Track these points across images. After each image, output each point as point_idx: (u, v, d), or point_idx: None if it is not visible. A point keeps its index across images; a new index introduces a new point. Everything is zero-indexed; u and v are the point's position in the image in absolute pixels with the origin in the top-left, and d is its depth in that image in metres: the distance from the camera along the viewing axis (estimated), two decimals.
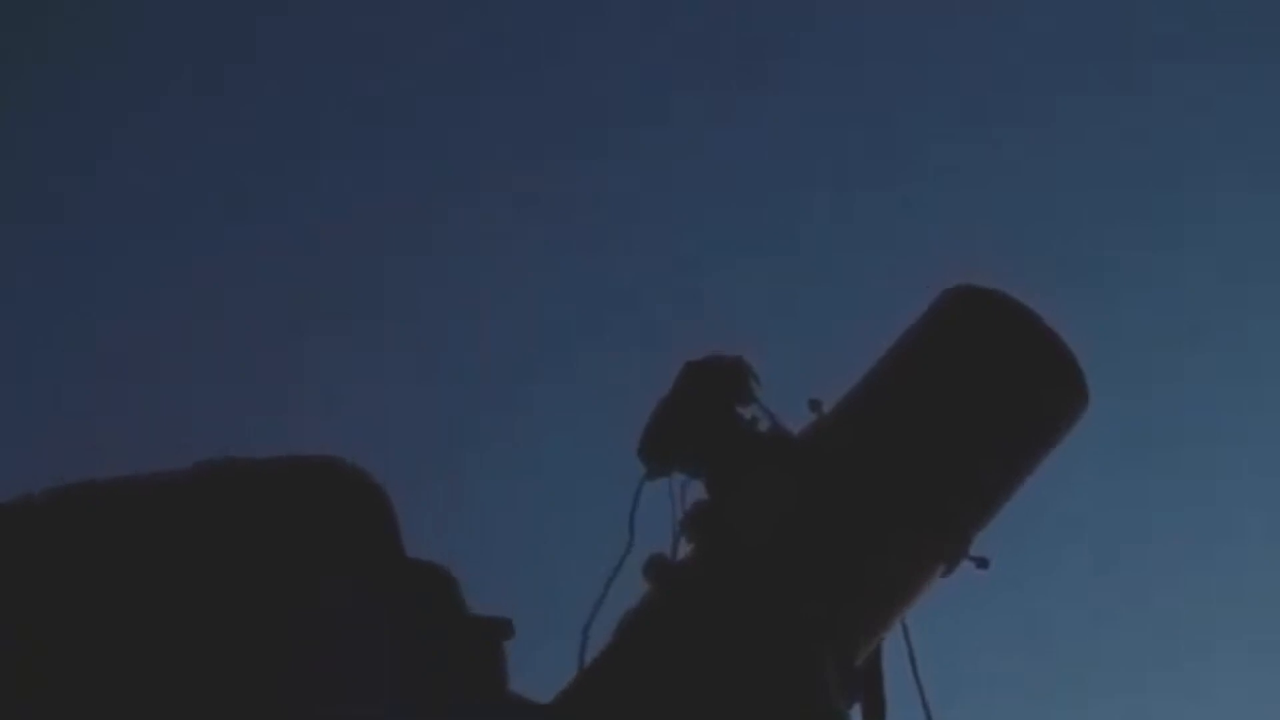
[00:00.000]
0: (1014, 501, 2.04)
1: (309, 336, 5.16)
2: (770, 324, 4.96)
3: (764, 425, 2.02)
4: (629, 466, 2.05)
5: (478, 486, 5.00)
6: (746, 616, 1.90)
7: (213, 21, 5.33)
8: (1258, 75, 5.20)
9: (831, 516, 1.95)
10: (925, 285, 2.11)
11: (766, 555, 1.93)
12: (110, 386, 4.94)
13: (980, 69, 5.40)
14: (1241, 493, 5.19)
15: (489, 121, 5.42)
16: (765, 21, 5.32)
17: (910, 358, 2.03)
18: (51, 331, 5.26)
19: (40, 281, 5.31)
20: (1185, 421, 5.23)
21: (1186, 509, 5.22)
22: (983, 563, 1.99)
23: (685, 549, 1.97)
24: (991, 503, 2.01)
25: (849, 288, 5.23)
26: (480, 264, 5.32)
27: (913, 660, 2.01)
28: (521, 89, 5.38)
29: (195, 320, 5.08)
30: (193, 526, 1.73)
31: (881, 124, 5.36)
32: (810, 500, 1.95)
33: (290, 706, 1.71)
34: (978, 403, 2.00)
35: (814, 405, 2.01)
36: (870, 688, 1.98)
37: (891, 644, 2.01)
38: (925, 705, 1.99)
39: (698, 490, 2.00)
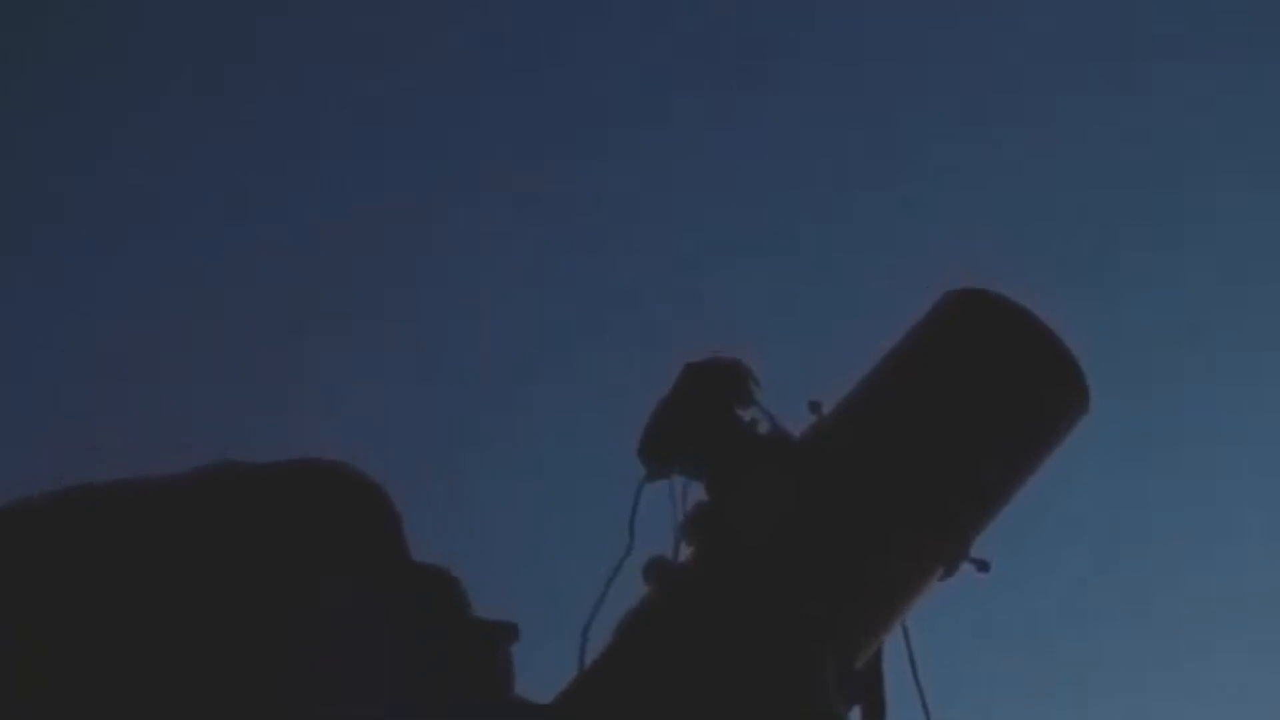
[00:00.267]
0: (1014, 503, 2.04)
1: (309, 336, 5.16)
2: (770, 324, 4.96)
3: (764, 427, 2.02)
4: (629, 467, 2.05)
5: (477, 487, 5.00)
6: (746, 616, 1.90)
7: (213, 21, 5.33)
8: (1258, 75, 5.20)
9: (831, 516, 1.95)
10: (925, 285, 2.11)
11: (766, 555, 1.93)
12: (110, 386, 4.94)
13: (980, 69, 5.41)
14: (1241, 493, 5.20)
15: (489, 121, 5.42)
16: (765, 21, 5.33)
17: (910, 359, 2.03)
18: (51, 331, 5.26)
19: (40, 281, 5.31)
20: (1185, 421, 5.23)
21: (1186, 509, 5.22)
22: (983, 565, 1.99)
23: (686, 551, 1.97)
24: (992, 503, 2.01)
25: (849, 288, 5.23)
26: (480, 264, 5.33)
27: (913, 662, 2.01)
28: (521, 89, 5.38)
29: (195, 320, 5.08)
30: (194, 530, 1.73)
31: (881, 124, 5.36)
32: (810, 500, 1.95)
33: (290, 707, 1.71)
34: (978, 403, 2.00)
35: (814, 407, 2.01)
36: (870, 690, 1.98)
37: (891, 646, 2.01)
38: (925, 707, 1.99)
39: (698, 492, 2.00)
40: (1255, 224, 5.22)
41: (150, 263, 5.29)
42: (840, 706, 1.90)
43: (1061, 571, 5.02)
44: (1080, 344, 2.03)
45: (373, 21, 5.41)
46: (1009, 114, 5.32)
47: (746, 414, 2.01)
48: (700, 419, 1.99)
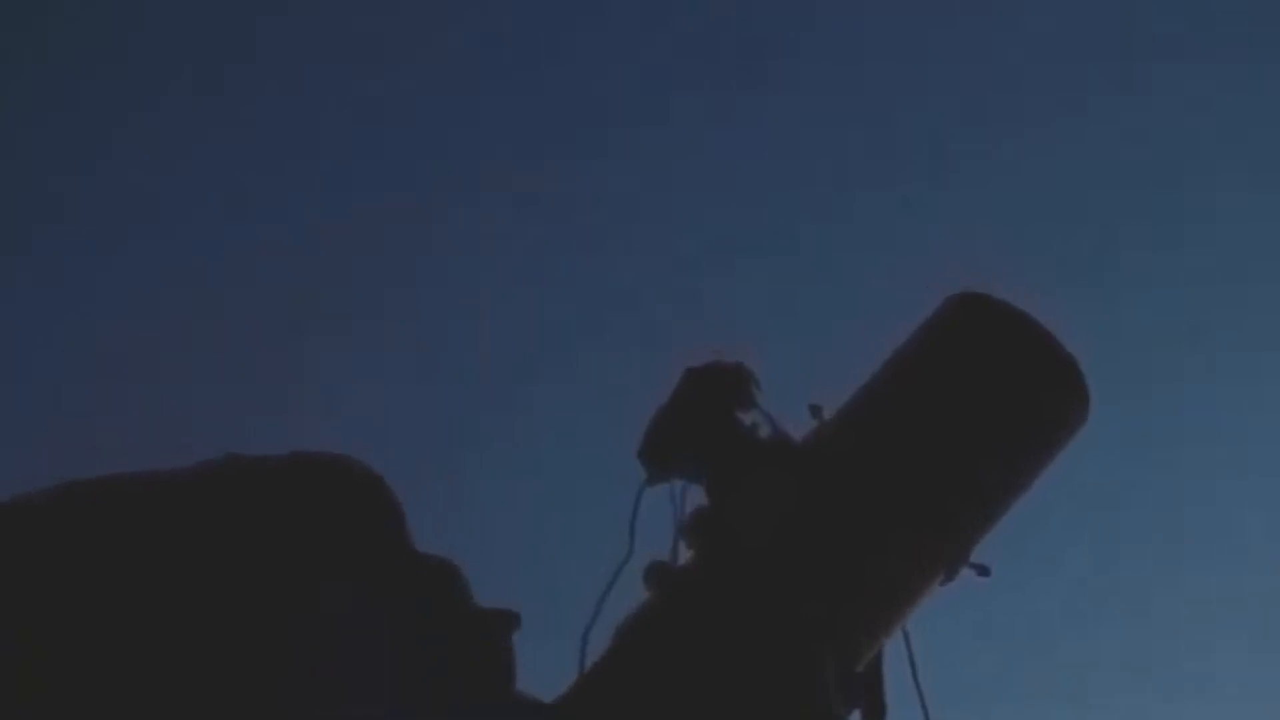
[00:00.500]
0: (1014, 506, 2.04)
1: (309, 336, 5.16)
2: (770, 324, 4.96)
3: (765, 431, 2.02)
4: (629, 467, 2.05)
5: (477, 488, 5.00)
6: (746, 617, 1.90)
7: (213, 21, 5.33)
8: (1258, 75, 5.20)
9: (831, 517, 1.95)
10: (925, 285, 2.11)
11: (766, 556, 1.93)
12: (110, 386, 4.94)
13: (980, 69, 5.41)
14: (1241, 493, 5.20)
15: (489, 121, 5.42)
16: (765, 21, 5.33)
17: (910, 364, 2.03)
18: (51, 331, 5.26)
19: (40, 281, 5.31)
20: (1185, 421, 5.23)
21: (1186, 509, 5.22)
22: (983, 570, 1.99)
23: (686, 555, 1.97)
24: (993, 507, 2.01)
25: (849, 288, 5.23)
26: (480, 264, 5.33)
27: (913, 665, 2.01)
28: (521, 89, 5.38)
29: (195, 320, 5.08)
30: (196, 525, 1.73)
31: (881, 124, 5.37)
32: (810, 501, 1.95)
33: (291, 710, 1.71)
34: (978, 405, 2.00)
35: (815, 411, 2.01)
36: (870, 692, 1.98)
37: (891, 648, 2.01)
38: (925, 709, 1.99)
39: (698, 496, 2.00)
40: (1255, 224, 5.22)
41: (150, 263, 5.29)
42: (841, 708, 1.91)
43: (1061, 572, 5.03)
44: (1080, 344, 2.03)
45: (373, 21, 5.41)
46: (1009, 114, 5.33)
47: (747, 418, 2.02)
48: (700, 423, 2.00)
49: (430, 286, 5.40)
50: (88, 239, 5.37)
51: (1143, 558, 5.21)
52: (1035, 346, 2.01)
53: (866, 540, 1.94)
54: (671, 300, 5.16)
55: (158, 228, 5.31)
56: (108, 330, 5.14)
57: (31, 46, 5.32)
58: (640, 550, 1.99)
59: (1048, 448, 2.03)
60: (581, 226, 5.40)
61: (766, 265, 5.24)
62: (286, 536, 1.74)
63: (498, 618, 1.85)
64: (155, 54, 5.40)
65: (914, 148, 5.32)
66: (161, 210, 5.31)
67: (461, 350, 5.37)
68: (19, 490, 1.83)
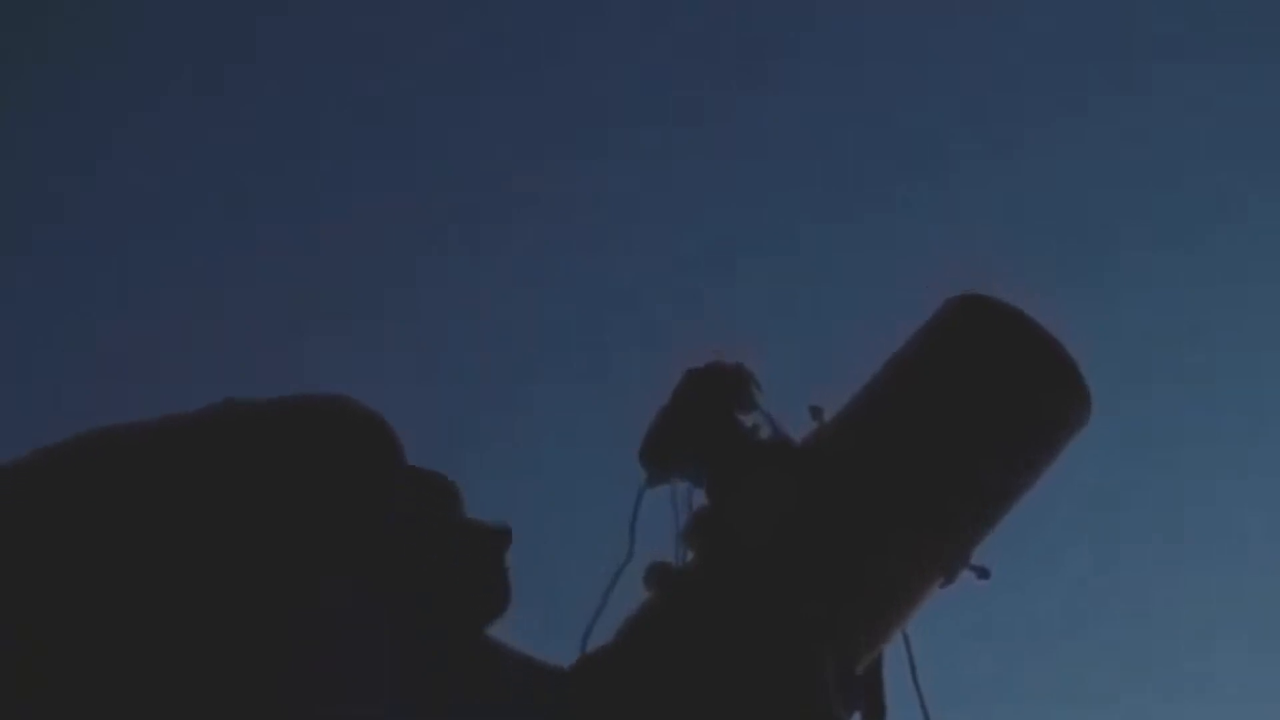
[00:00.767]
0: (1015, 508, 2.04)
1: (309, 336, 5.16)
2: (770, 324, 4.96)
3: (765, 432, 2.02)
4: (629, 467, 2.05)
5: (476, 489, 4.98)
6: (746, 617, 1.90)
7: (213, 21, 5.33)
8: (1258, 75, 5.20)
9: (831, 516, 1.95)
10: (925, 285, 2.11)
11: (766, 556, 1.93)
12: (110, 386, 4.94)
13: (980, 69, 5.41)
14: (1242, 493, 5.20)
15: (489, 121, 5.42)
16: (765, 21, 5.33)
17: (910, 365, 2.04)
18: (51, 331, 5.26)
19: (40, 281, 5.31)
20: (1185, 421, 5.23)
21: (1187, 509, 5.22)
22: (983, 573, 1.99)
23: (686, 556, 1.97)
24: (993, 506, 2.01)
25: (849, 287, 5.23)
26: (480, 264, 5.33)
27: (913, 667, 2.01)
28: (521, 89, 5.38)
29: (195, 320, 5.08)
30: (195, 475, 1.73)
31: (882, 124, 5.36)
32: (810, 500, 1.96)
33: (290, 707, 1.71)
34: (977, 406, 2.00)
35: (815, 413, 2.01)
36: (871, 694, 1.98)
37: (891, 651, 2.01)
38: (924, 711, 1.99)
39: (699, 498, 2.00)
40: (1255, 224, 5.22)
41: (150, 263, 5.29)
42: (841, 709, 1.91)
43: (1061, 573, 5.02)
44: (1080, 344, 2.03)
45: (373, 21, 5.41)
46: (1009, 114, 5.33)
47: (748, 419, 2.02)
48: (701, 424, 2.00)
49: (430, 286, 5.40)
50: (88, 239, 5.37)
51: (1143, 558, 5.21)
52: (1035, 347, 2.01)
53: (866, 540, 1.94)
54: (671, 300, 5.16)
55: (158, 228, 5.31)
56: (108, 330, 5.14)
57: (31, 46, 5.32)
58: (641, 551, 1.99)
59: (1048, 448, 2.03)
60: (581, 226, 5.40)
61: (766, 265, 5.24)
62: (285, 482, 1.74)
63: (492, 533, 1.87)
64: (155, 54, 5.40)
65: (914, 148, 5.32)
66: (161, 210, 5.31)
67: (461, 350, 5.36)
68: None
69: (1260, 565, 5.12)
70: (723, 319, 4.58)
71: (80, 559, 1.71)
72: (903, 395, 2.02)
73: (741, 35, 5.37)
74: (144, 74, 5.40)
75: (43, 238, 5.36)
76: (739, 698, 1.88)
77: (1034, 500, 2.07)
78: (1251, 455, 5.20)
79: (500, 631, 1.89)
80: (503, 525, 1.92)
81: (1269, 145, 5.17)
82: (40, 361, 5.15)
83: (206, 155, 5.37)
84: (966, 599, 2.03)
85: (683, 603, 1.92)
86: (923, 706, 1.99)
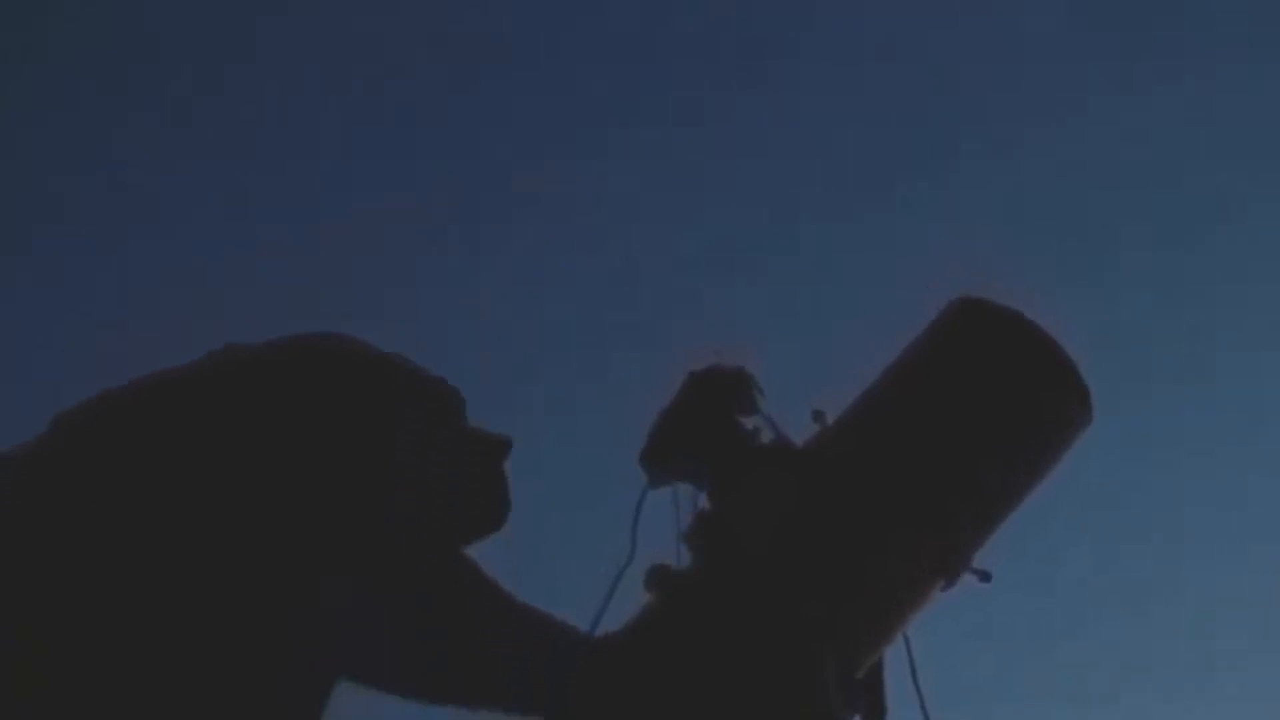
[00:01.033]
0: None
1: None
2: (770, 324, 4.96)
3: (767, 435, 2.02)
4: (630, 468, 2.05)
5: None
6: (747, 617, 1.90)
7: (213, 21, 5.32)
8: (1258, 75, 5.20)
9: (831, 516, 1.95)
10: (925, 284, 2.11)
11: (767, 556, 1.93)
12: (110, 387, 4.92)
13: (980, 69, 5.40)
14: (1242, 493, 5.19)
15: (489, 121, 5.42)
16: (765, 21, 5.32)
17: (911, 368, 2.04)
18: (51, 331, 5.26)
19: (40, 281, 5.31)
20: (1185, 421, 5.23)
21: (1186, 509, 5.22)
22: (984, 576, 1.99)
23: (687, 559, 1.97)
24: (993, 507, 2.01)
25: (849, 287, 5.23)
26: (480, 264, 5.32)
27: (913, 668, 2.01)
28: (521, 89, 5.38)
29: (195, 320, 5.07)
30: (198, 427, 1.73)
31: (882, 124, 5.36)
32: (810, 500, 1.96)
33: (291, 707, 1.71)
34: (977, 407, 2.01)
35: (817, 417, 2.02)
36: (871, 695, 1.98)
37: (892, 652, 2.01)
38: (924, 712, 1.99)
39: (701, 501, 2.00)
40: (1255, 224, 5.22)
41: (150, 263, 5.29)
42: (841, 710, 1.91)
43: (1061, 574, 5.02)
44: (1080, 345, 2.04)
45: (373, 21, 5.41)
46: (1009, 114, 5.33)
47: (749, 422, 2.02)
48: (702, 427, 2.00)
49: (430, 286, 5.40)
50: (88, 239, 5.37)
51: (1143, 558, 5.20)
52: (1034, 348, 2.01)
53: (867, 540, 1.95)
54: (671, 300, 5.16)
55: (158, 228, 5.31)
56: (108, 330, 5.13)
57: (31, 46, 5.32)
58: (642, 558, 1.99)
59: (1048, 449, 2.04)
60: (581, 226, 5.40)
61: (766, 265, 5.24)
62: (288, 425, 1.74)
63: (493, 441, 1.88)
64: (155, 54, 5.40)
65: (914, 148, 5.31)
66: (161, 210, 5.31)
67: (461, 350, 5.36)
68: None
69: (1260, 565, 5.12)
70: (723, 319, 4.58)
71: (80, 559, 1.71)
72: (902, 397, 2.02)
73: (741, 35, 5.37)
74: (144, 74, 5.40)
75: (43, 238, 5.36)
76: (740, 699, 1.88)
77: (1034, 500, 2.07)
78: (1251, 455, 5.20)
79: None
80: (504, 436, 1.94)
81: (1269, 145, 5.17)
82: (40, 361, 5.15)
83: (206, 155, 5.36)
84: (966, 599, 2.03)
85: (683, 604, 1.92)
86: (922, 707, 1.99)
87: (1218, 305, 5.22)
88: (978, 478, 2.00)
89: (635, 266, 5.35)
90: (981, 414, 2.00)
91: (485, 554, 1.87)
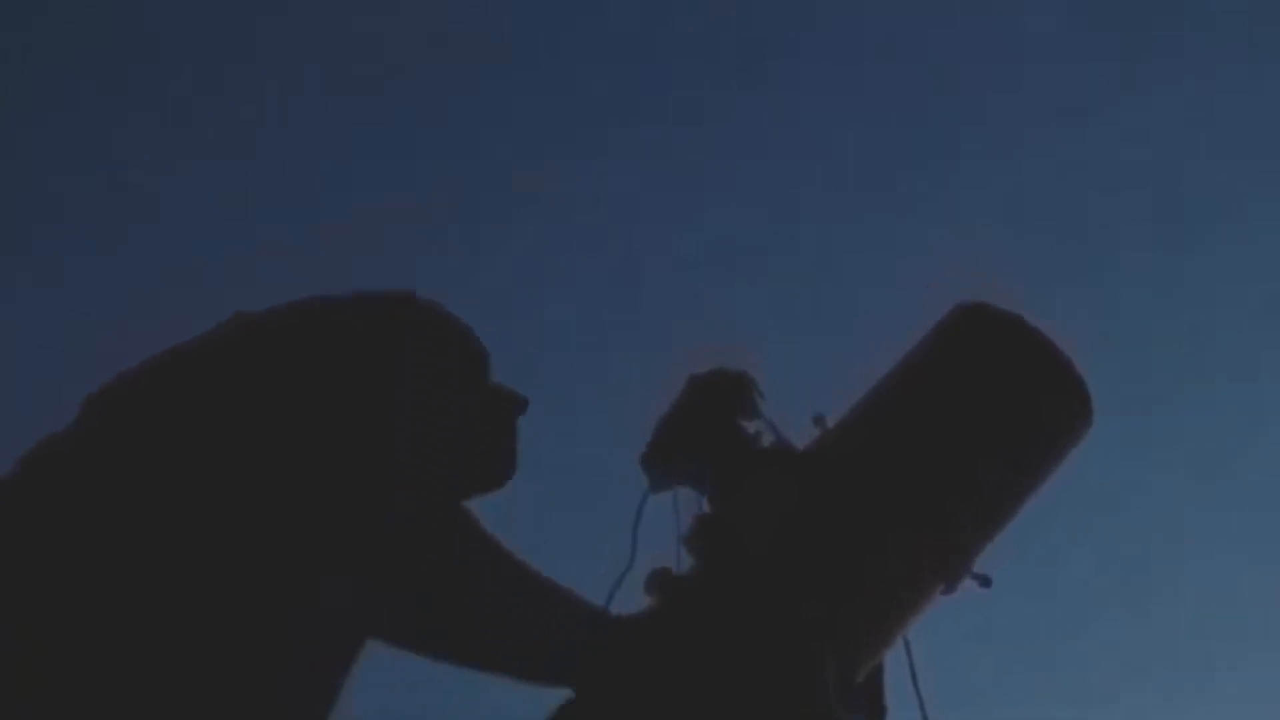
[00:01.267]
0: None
1: None
2: (770, 324, 4.96)
3: (768, 439, 2.03)
4: (630, 469, 2.05)
5: None
6: (747, 617, 1.90)
7: (213, 21, 5.32)
8: (1258, 75, 5.20)
9: (831, 517, 1.95)
10: (925, 284, 2.11)
11: (767, 558, 1.93)
12: None
13: (980, 69, 5.40)
14: (1241, 493, 5.19)
15: (489, 121, 5.42)
16: (765, 21, 5.32)
17: (912, 372, 2.05)
18: (51, 331, 5.26)
19: (40, 281, 5.31)
20: (1185, 422, 5.23)
21: (1186, 509, 5.22)
22: (985, 581, 1.99)
23: (688, 563, 1.97)
24: (993, 508, 2.02)
25: (849, 287, 5.23)
26: (480, 264, 5.32)
27: (912, 670, 2.01)
28: (522, 88, 5.38)
29: (195, 320, 5.07)
30: (209, 397, 1.74)
31: (882, 124, 5.36)
32: (810, 500, 1.96)
33: (291, 707, 1.71)
34: (978, 407, 2.01)
35: (818, 422, 2.02)
36: (871, 696, 1.99)
37: (892, 656, 2.01)
38: (924, 713, 1.99)
39: (702, 504, 2.01)
40: (1255, 224, 5.22)
41: (150, 263, 5.29)
42: (841, 711, 1.91)
43: (1061, 574, 5.02)
44: (1081, 345, 2.04)
45: (373, 21, 5.41)
46: (1009, 114, 5.33)
47: (750, 426, 2.02)
48: (703, 431, 2.00)
49: (430, 286, 5.39)
50: (88, 239, 5.37)
51: (1143, 558, 5.20)
52: (1034, 351, 2.01)
53: (867, 540, 1.95)
54: (671, 300, 5.16)
55: (158, 228, 5.31)
56: (108, 330, 5.13)
57: (31, 46, 5.32)
58: (643, 562, 1.99)
59: (1048, 450, 2.04)
60: (581, 226, 5.40)
61: (766, 265, 5.24)
62: (295, 390, 1.75)
63: (509, 397, 1.90)
64: (155, 54, 5.39)
65: (914, 148, 5.32)
66: (161, 210, 5.31)
67: None
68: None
69: (1260, 565, 5.12)
70: (723, 319, 4.58)
71: (80, 559, 1.71)
72: (903, 399, 2.02)
73: (741, 35, 5.37)
74: (144, 74, 5.40)
75: (43, 238, 5.36)
76: (740, 700, 1.88)
77: (1034, 501, 2.07)
78: (1252, 455, 5.20)
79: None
80: (522, 395, 1.96)
81: (1269, 145, 5.17)
82: (40, 361, 5.15)
83: (206, 155, 5.36)
84: (966, 601, 2.03)
85: (684, 607, 1.92)
86: (922, 709, 1.99)
87: (1218, 305, 5.22)
88: (978, 478, 2.00)
89: (635, 266, 5.35)
90: (982, 416, 2.01)
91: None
